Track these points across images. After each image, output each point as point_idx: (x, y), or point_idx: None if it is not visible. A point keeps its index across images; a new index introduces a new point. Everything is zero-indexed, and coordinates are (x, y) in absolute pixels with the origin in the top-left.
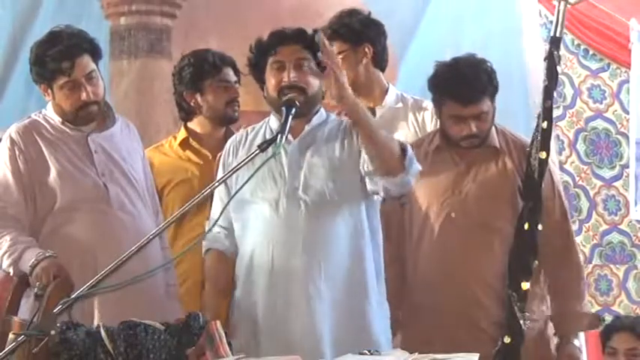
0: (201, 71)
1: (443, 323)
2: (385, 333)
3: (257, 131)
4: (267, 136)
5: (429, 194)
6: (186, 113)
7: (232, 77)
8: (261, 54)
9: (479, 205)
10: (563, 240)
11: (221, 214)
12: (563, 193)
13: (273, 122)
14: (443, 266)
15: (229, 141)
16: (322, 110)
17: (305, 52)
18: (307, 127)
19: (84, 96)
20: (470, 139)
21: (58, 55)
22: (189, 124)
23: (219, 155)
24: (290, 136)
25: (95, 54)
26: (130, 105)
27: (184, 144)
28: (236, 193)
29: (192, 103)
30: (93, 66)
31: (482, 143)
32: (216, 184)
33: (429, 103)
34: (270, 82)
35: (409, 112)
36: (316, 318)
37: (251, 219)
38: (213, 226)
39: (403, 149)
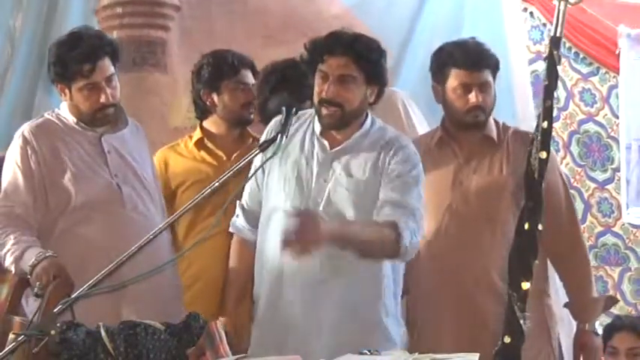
0: (219, 71)
1: (442, 316)
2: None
3: (304, 121)
4: (307, 137)
5: (431, 188)
6: (202, 112)
7: (250, 79)
8: (311, 58)
9: (479, 196)
10: (573, 236)
11: (219, 217)
12: (568, 191)
13: (317, 126)
14: (443, 257)
15: (273, 122)
16: (368, 120)
17: (352, 65)
18: (346, 142)
19: (103, 98)
20: (475, 111)
21: (80, 57)
22: (205, 124)
23: (234, 155)
24: (326, 143)
25: (114, 57)
26: None
27: (199, 144)
28: (235, 193)
29: (208, 102)
30: (112, 69)
31: (484, 125)
32: (217, 183)
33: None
34: (315, 88)
35: None
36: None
37: (274, 220)
38: (218, 219)
39: (398, 234)
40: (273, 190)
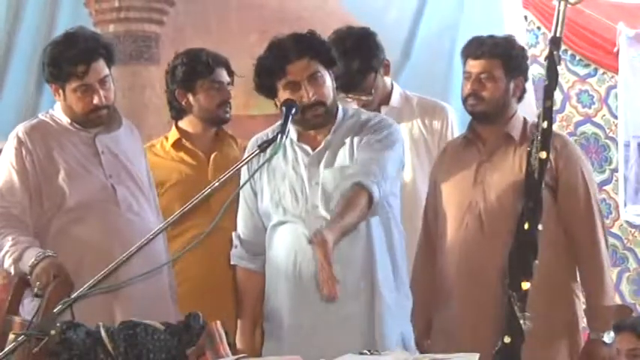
0: (194, 71)
1: (461, 312)
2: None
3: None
4: (288, 146)
5: (454, 186)
6: (178, 112)
7: (225, 78)
8: (268, 76)
9: (499, 194)
10: (590, 240)
11: (216, 220)
12: (593, 189)
13: (293, 133)
14: (462, 255)
15: (251, 144)
16: (340, 111)
17: (314, 62)
18: (325, 139)
19: (96, 100)
20: (469, 99)
21: (74, 58)
22: (180, 124)
23: (213, 154)
24: (309, 148)
25: (110, 59)
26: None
27: (177, 145)
28: (232, 196)
29: (183, 103)
30: (107, 71)
31: (488, 114)
32: (216, 183)
33: (437, 106)
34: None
35: (415, 114)
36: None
37: (277, 235)
38: (212, 228)
39: (370, 198)
40: (270, 209)
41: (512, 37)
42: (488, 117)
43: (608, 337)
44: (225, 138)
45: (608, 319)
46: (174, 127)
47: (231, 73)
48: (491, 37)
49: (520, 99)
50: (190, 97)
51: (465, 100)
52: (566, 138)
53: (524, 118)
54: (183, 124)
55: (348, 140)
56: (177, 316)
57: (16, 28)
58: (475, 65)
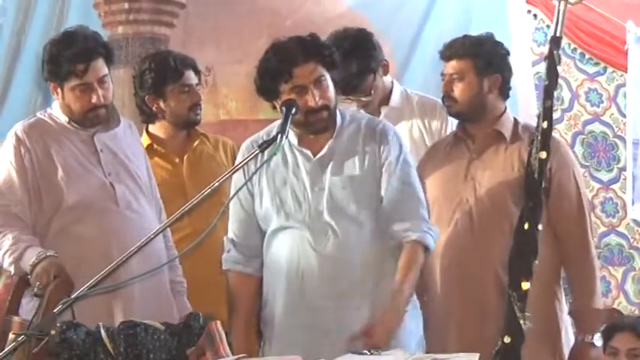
0: (163, 77)
1: (450, 310)
2: (416, 335)
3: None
4: (287, 150)
5: (444, 183)
6: (148, 117)
7: (194, 80)
8: (273, 79)
9: (490, 192)
10: (581, 242)
11: (215, 221)
12: (584, 193)
13: (293, 137)
14: (452, 253)
15: (245, 147)
16: (338, 115)
17: (319, 66)
18: (327, 144)
19: (94, 99)
20: (444, 100)
21: (74, 57)
22: (151, 129)
23: (185, 156)
24: (310, 153)
25: (109, 58)
26: (128, 113)
27: (149, 151)
28: (231, 198)
29: (154, 108)
30: (106, 70)
31: (464, 115)
32: (216, 183)
33: (437, 105)
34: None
35: (416, 114)
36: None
37: (278, 240)
38: (210, 229)
39: (425, 247)
40: (272, 213)
41: (487, 35)
42: (466, 117)
43: (598, 339)
44: (196, 137)
45: (597, 321)
46: (145, 133)
47: (197, 73)
48: (463, 37)
49: (505, 96)
50: (161, 103)
51: (443, 102)
52: (561, 141)
53: (515, 118)
54: (154, 128)
55: (359, 148)
56: (182, 308)
57: (25, 29)
58: (447, 67)
